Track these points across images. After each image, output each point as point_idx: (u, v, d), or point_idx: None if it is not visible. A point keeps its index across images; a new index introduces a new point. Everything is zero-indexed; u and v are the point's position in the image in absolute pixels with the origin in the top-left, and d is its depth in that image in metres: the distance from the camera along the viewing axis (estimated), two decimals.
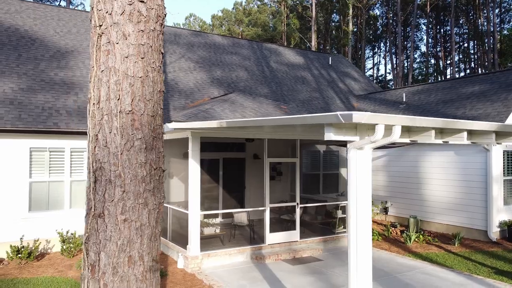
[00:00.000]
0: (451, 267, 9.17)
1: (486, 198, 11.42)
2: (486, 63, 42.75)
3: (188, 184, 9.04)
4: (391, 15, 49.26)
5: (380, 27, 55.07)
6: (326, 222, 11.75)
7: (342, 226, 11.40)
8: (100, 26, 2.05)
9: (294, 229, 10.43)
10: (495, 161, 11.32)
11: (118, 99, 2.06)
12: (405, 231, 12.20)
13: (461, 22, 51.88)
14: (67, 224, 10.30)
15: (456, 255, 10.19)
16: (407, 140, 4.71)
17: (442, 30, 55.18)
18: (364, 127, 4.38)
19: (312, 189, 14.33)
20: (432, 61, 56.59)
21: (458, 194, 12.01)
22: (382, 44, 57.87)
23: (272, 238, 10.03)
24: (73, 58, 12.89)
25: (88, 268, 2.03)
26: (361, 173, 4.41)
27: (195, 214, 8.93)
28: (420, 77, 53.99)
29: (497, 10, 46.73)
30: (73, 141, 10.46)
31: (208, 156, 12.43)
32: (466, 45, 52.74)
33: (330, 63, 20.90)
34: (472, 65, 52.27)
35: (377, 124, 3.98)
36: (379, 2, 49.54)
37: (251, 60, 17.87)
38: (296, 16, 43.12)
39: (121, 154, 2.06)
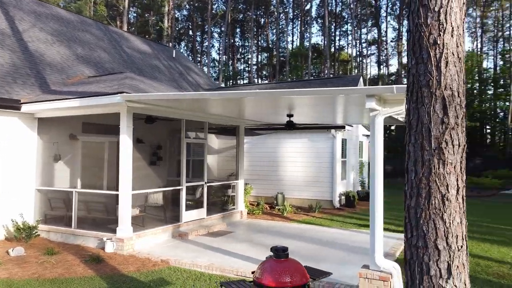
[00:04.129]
0: (329, 226, 11.64)
1: (331, 175, 14.65)
2: (274, 73, 50.71)
3: (120, 162, 8.50)
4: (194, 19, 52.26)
5: (177, 28, 57.48)
6: (218, 201, 12.65)
7: (232, 204, 12.53)
8: None
9: (202, 207, 10.96)
10: (338, 146, 14.67)
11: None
12: (275, 206, 14.31)
13: (248, 35, 59.46)
14: None
15: (322, 219, 12.82)
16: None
17: (232, 41, 61.72)
18: (382, 101, 5.86)
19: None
20: (220, 66, 62.90)
21: (312, 173, 14.89)
22: (180, 45, 60.55)
23: (187, 216, 10.32)
24: None
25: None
26: (379, 134, 5.86)
27: (127, 194, 8.48)
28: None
29: (275, 30, 56.01)
30: None
31: (94, 140, 11.43)
32: (249, 56, 60.81)
33: (174, 56, 21.42)
34: (255, 74, 60.65)
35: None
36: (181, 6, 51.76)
37: (105, 42, 16.74)
38: (104, 3, 40.73)
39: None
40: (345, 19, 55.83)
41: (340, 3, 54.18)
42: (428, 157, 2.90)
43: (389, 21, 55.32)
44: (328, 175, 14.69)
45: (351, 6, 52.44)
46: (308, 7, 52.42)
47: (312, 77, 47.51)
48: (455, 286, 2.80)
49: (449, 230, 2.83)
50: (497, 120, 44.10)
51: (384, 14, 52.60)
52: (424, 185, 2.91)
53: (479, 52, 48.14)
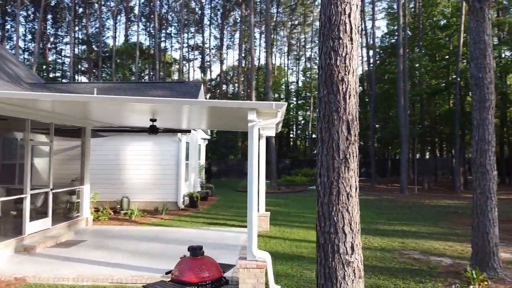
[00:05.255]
0: (180, 226, 12.12)
1: (176, 177, 15.11)
2: (96, 69, 47.36)
3: None
4: None
5: None
6: (61, 208, 11.60)
7: (77, 211, 11.70)
8: None
9: (47, 216, 9.98)
10: (183, 149, 15.23)
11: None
12: (120, 210, 13.91)
13: (63, 24, 54.02)
14: None
15: (171, 220, 13.17)
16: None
17: (43, 28, 55.00)
18: (259, 114, 6.80)
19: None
20: (26, 55, 55.34)
21: (157, 175, 15.00)
22: None
23: (31, 227, 9.26)
24: None
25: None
26: (255, 141, 6.79)
27: None
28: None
29: (94, 23, 52.59)
30: None
31: None
32: (63, 47, 55.32)
33: None
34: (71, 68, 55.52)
35: (278, 111, 6.60)
36: None
37: None
38: None
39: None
40: (169, 22, 56.47)
41: (166, 6, 54.56)
42: (337, 165, 3.87)
43: (211, 30, 58.61)
44: (173, 177, 15.08)
45: (176, 9, 53.46)
46: (132, 3, 51.06)
47: (146, 79, 46.48)
48: (356, 259, 3.85)
49: (352, 218, 3.85)
50: (300, 126, 52.10)
51: (208, 23, 55.42)
52: (334, 186, 3.87)
53: (286, 68, 55.62)
